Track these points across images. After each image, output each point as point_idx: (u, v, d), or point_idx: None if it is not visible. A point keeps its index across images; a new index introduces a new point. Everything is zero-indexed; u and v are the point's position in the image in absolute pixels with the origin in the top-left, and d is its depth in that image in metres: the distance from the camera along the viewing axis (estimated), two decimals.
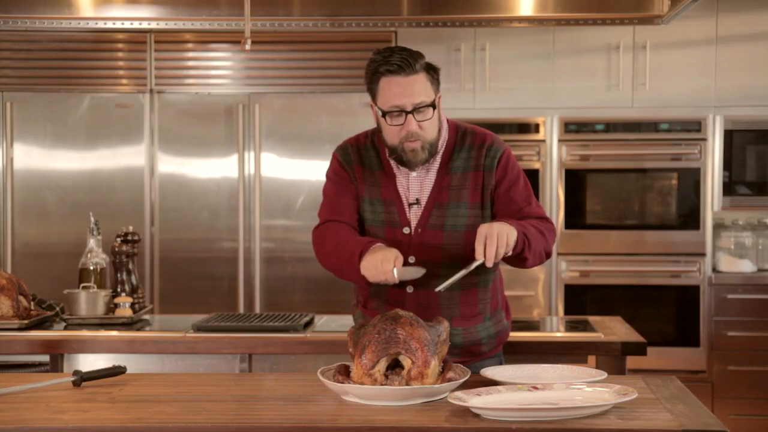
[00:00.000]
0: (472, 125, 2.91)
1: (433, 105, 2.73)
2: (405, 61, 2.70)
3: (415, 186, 2.83)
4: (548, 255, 2.81)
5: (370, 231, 2.86)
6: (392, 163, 2.85)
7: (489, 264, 2.60)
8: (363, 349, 2.39)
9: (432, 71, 2.76)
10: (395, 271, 2.61)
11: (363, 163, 2.89)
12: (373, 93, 2.78)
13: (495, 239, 2.58)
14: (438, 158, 2.82)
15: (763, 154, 5.56)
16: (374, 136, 2.92)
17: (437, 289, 2.66)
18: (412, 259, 2.79)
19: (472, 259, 2.63)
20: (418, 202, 2.82)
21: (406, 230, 2.82)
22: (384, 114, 2.75)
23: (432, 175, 2.82)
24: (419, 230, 2.81)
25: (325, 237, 2.86)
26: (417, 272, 2.71)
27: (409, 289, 2.81)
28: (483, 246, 2.58)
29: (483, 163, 2.81)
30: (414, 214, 2.82)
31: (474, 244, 2.61)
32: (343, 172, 2.91)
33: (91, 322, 3.68)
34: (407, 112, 2.71)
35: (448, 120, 2.89)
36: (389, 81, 2.72)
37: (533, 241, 2.70)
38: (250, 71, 5.57)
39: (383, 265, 2.61)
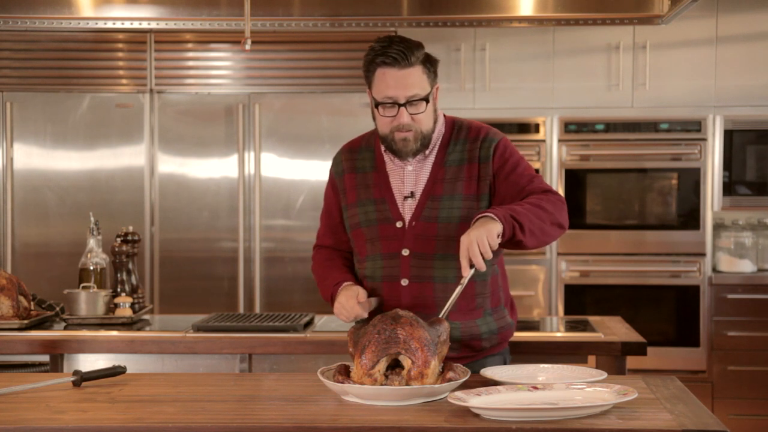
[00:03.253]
0: (469, 120, 2.93)
1: (426, 99, 2.75)
2: (401, 53, 2.72)
3: (410, 179, 2.84)
4: (560, 226, 2.77)
5: (364, 232, 2.87)
6: (387, 159, 2.88)
7: (482, 269, 2.59)
8: (363, 349, 2.39)
9: (429, 63, 2.77)
10: (360, 305, 2.76)
11: (355, 169, 2.92)
12: (368, 81, 2.80)
13: (476, 247, 2.56)
14: (434, 152, 2.84)
15: (763, 154, 5.56)
16: (372, 137, 2.96)
17: (440, 316, 2.64)
18: (405, 252, 2.80)
19: (460, 276, 2.63)
20: (412, 195, 2.83)
21: (399, 224, 2.82)
22: (377, 104, 2.78)
23: (427, 169, 2.84)
24: (413, 223, 2.81)
25: (315, 266, 3.05)
26: (376, 301, 2.83)
27: (404, 282, 2.81)
28: (467, 260, 2.58)
29: (478, 155, 2.82)
30: (408, 208, 2.83)
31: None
32: (332, 196, 2.98)
33: (91, 322, 3.68)
34: (400, 105, 2.74)
35: (444, 116, 2.91)
36: (384, 72, 2.74)
37: (526, 221, 2.65)
38: (250, 71, 5.58)
39: (348, 303, 2.77)
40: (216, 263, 5.57)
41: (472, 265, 2.58)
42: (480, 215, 2.63)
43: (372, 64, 2.77)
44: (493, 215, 2.60)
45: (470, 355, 2.84)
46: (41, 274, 5.47)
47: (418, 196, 2.83)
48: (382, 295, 2.85)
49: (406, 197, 2.84)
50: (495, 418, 2.16)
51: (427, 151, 2.84)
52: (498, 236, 2.58)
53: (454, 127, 2.89)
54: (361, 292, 2.79)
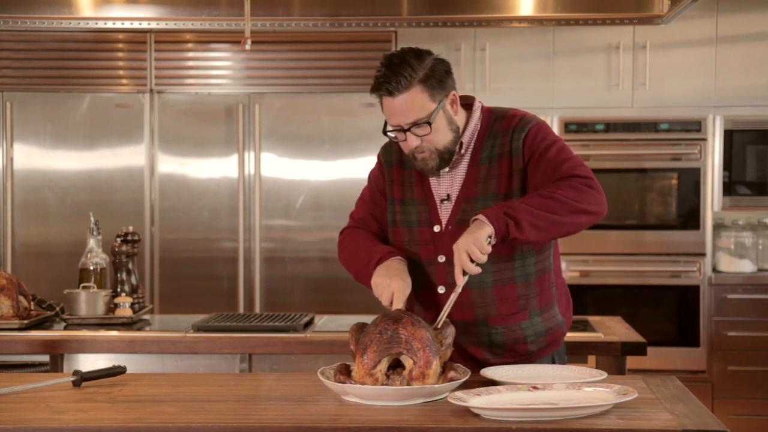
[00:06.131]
0: (506, 109, 2.77)
1: (429, 122, 2.62)
2: (392, 81, 2.59)
3: (446, 181, 2.74)
4: (585, 212, 2.59)
5: (404, 232, 2.78)
6: None
7: (474, 272, 2.53)
8: (365, 349, 2.39)
9: (431, 79, 2.62)
10: (392, 306, 2.60)
11: (403, 163, 2.80)
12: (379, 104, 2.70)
13: (464, 255, 2.51)
14: (470, 150, 2.73)
15: (763, 154, 5.56)
16: None
17: (436, 324, 2.56)
18: (442, 258, 2.70)
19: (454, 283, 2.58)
20: (449, 197, 2.73)
21: (436, 228, 2.73)
22: (386, 132, 2.70)
23: (463, 169, 2.73)
24: (449, 227, 2.71)
25: (348, 241, 2.87)
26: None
27: (441, 290, 2.72)
28: (460, 267, 2.53)
29: (510, 148, 2.68)
30: (445, 211, 2.73)
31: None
32: (380, 178, 2.86)
33: (91, 322, 3.68)
34: (405, 130, 2.64)
35: (483, 107, 2.78)
36: (385, 101, 2.64)
37: (526, 215, 2.53)
38: (250, 71, 5.58)
39: (383, 293, 2.62)
40: (216, 263, 5.57)
41: (465, 272, 2.54)
42: (474, 217, 2.57)
43: (373, 92, 2.66)
44: (483, 218, 2.53)
45: (516, 360, 2.73)
46: (41, 274, 5.47)
47: (454, 198, 2.73)
48: (420, 302, 2.77)
49: (442, 200, 2.74)
50: (495, 418, 2.15)
51: (462, 150, 2.72)
52: (490, 238, 2.52)
53: (490, 120, 2.75)
54: (400, 293, 2.62)
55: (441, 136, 2.66)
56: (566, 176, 2.62)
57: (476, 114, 2.76)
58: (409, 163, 2.77)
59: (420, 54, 2.66)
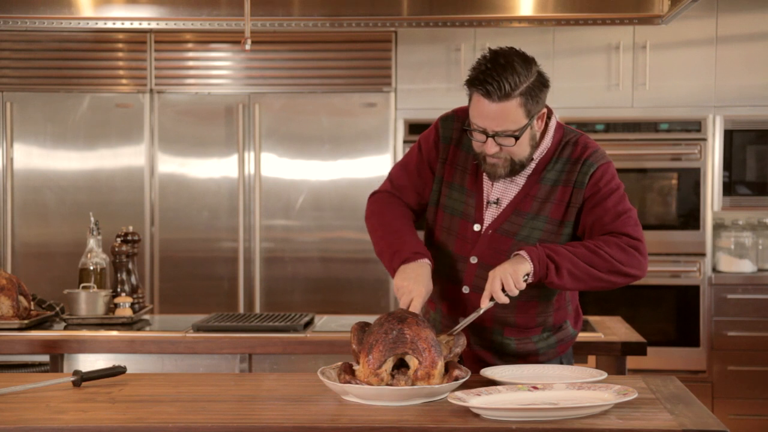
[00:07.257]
0: (581, 134, 2.73)
1: (516, 136, 2.57)
2: (499, 85, 2.52)
3: (501, 185, 2.70)
4: (623, 275, 2.63)
5: (444, 218, 2.75)
6: None
7: (501, 302, 2.56)
8: (370, 348, 2.39)
9: (531, 93, 2.56)
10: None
11: (461, 143, 2.74)
12: (468, 96, 2.63)
13: (498, 283, 2.53)
14: (533, 165, 2.68)
15: (763, 154, 5.56)
16: None
17: (449, 333, 2.56)
18: (474, 260, 2.70)
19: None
20: (498, 202, 2.70)
21: (476, 227, 2.70)
22: (467, 127, 2.64)
23: (521, 180, 2.69)
24: (490, 231, 2.69)
25: (382, 208, 2.81)
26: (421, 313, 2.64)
27: (465, 290, 2.73)
28: (489, 292, 2.55)
29: (575, 178, 2.66)
30: (490, 214, 2.70)
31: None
32: (434, 151, 2.77)
33: (91, 322, 3.68)
34: (488, 135, 2.59)
35: (558, 124, 2.72)
36: (478, 99, 2.57)
37: (567, 263, 2.57)
38: (250, 71, 5.58)
39: (403, 297, 2.59)
40: (216, 263, 5.57)
41: (492, 299, 2.56)
42: (517, 251, 2.58)
43: (470, 86, 2.59)
44: (526, 255, 2.55)
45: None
46: (41, 274, 5.47)
47: (503, 205, 2.70)
48: (443, 297, 2.77)
49: (489, 202, 2.71)
50: (495, 418, 2.15)
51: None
52: (528, 275, 2.55)
53: (561, 141, 2.70)
54: (418, 299, 2.59)
55: (521, 150, 2.63)
56: (618, 232, 2.64)
57: (551, 131, 2.70)
58: (469, 150, 2.72)
59: (528, 61, 2.59)
